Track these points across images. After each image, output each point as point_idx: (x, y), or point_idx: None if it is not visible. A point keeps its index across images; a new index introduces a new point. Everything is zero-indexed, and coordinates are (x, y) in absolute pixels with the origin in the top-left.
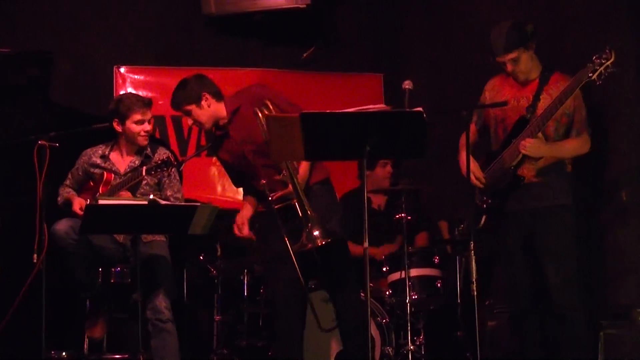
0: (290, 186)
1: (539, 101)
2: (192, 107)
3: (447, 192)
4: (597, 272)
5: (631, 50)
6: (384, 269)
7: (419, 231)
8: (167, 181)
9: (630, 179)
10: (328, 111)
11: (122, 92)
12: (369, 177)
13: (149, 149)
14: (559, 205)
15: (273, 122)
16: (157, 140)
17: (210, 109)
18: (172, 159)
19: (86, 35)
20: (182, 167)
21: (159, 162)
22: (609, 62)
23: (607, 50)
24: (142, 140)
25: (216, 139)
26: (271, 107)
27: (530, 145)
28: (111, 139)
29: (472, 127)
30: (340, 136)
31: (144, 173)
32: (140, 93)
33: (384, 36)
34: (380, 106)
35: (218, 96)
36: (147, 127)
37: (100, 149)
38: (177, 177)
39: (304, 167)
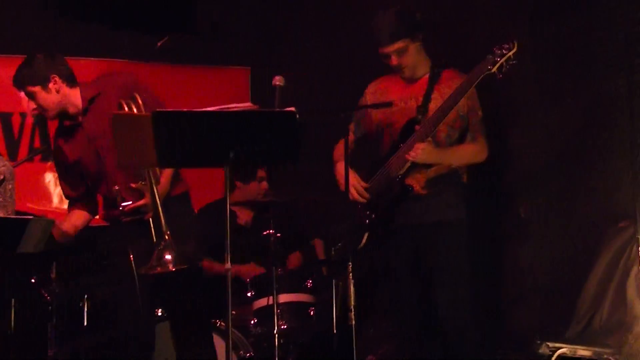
0: (147, 197)
1: (430, 102)
2: (37, 90)
3: (322, 206)
4: (493, 293)
5: (530, 46)
6: (249, 294)
7: (290, 250)
8: (0, 199)
9: (529, 189)
10: (184, 110)
11: None
12: (240, 191)
13: None
14: (451, 220)
15: (120, 122)
16: None
17: (59, 95)
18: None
19: None
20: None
21: None
22: (510, 53)
23: (508, 40)
24: None
25: (61, 130)
26: (140, 102)
27: (419, 151)
28: None
29: (350, 137)
30: (199, 139)
31: None
32: None
33: (251, 25)
34: (247, 105)
35: (71, 81)
36: None
37: None
38: (13, 196)
39: (166, 176)
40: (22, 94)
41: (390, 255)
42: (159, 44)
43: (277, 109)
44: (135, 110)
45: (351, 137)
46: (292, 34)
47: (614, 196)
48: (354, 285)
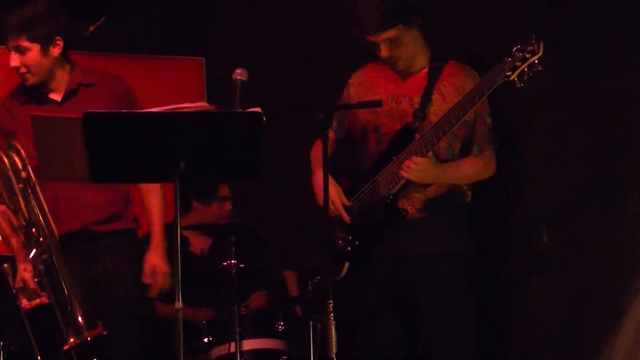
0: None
1: (429, 104)
2: (34, 47)
3: (295, 231)
4: (500, 342)
5: (543, 34)
6: (206, 340)
7: (252, 289)
8: None
9: (547, 214)
10: (122, 111)
11: None
12: (198, 212)
13: None
14: (452, 251)
15: (43, 125)
16: None
17: (54, 63)
18: None
19: None
20: None
21: None
22: (534, 58)
23: (532, 42)
24: None
25: (26, 95)
26: None
27: (415, 168)
28: None
29: (331, 136)
30: (142, 148)
31: None
32: None
33: (203, 8)
34: (201, 104)
35: (66, 52)
36: None
37: None
38: None
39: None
40: (10, 45)
41: (373, 290)
42: (91, 28)
43: (239, 110)
44: None
45: (331, 136)
46: (254, 16)
47: None
48: (336, 328)
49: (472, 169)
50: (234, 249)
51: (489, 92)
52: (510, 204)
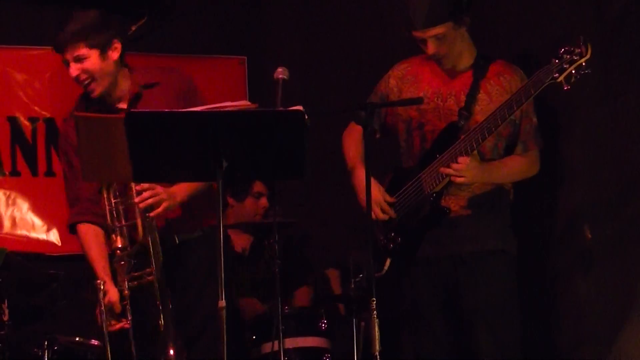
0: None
1: (475, 102)
2: (94, 54)
3: (337, 228)
4: (548, 340)
5: (592, 28)
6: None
7: (298, 284)
8: None
9: (591, 209)
10: (165, 110)
11: None
12: (234, 210)
13: None
14: (498, 249)
15: (86, 124)
16: None
17: (115, 67)
18: None
19: None
20: None
21: None
22: (582, 60)
23: (580, 44)
24: None
25: (90, 109)
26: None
27: (464, 168)
28: None
29: (359, 129)
30: (184, 147)
31: None
32: None
33: (244, 7)
34: (243, 103)
35: (123, 60)
36: None
37: None
38: None
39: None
40: (68, 56)
41: (419, 289)
42: (133, 27)
43: (282, 108)
44: None
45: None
46: (295, 15)
47: None
48: (379, 326)
49: (517, 168)
50: (276, 247)
51: (535, 94)
52: (554, 199)
